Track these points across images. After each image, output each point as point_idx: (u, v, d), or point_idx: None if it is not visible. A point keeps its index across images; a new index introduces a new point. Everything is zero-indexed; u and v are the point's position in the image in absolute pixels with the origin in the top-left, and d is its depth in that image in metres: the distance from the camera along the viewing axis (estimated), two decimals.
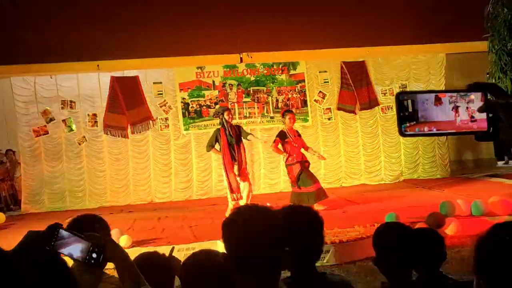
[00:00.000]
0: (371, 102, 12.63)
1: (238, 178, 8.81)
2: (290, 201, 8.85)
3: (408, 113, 1.18)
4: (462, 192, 9.60)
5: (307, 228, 2.05)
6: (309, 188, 8.91)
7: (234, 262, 1.52)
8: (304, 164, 9.07)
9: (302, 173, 8.94)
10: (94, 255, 1.66)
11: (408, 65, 12.91)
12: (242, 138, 9.03)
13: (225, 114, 8.94)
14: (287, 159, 9.05)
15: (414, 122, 1.18)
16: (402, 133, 1.19)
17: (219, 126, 9.02)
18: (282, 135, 9.07)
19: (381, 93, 12.75)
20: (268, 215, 1.56)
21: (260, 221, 1.52)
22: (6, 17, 10.83)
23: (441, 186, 11.05)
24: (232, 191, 8.84)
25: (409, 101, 1.19)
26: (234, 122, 9.61)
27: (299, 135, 9.26)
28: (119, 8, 11.24)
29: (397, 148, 12.79)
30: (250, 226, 1.51)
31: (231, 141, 8.86)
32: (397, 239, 2.20)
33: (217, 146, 9.02)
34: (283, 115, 9.33)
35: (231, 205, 8.76)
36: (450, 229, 6.92)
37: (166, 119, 12.15)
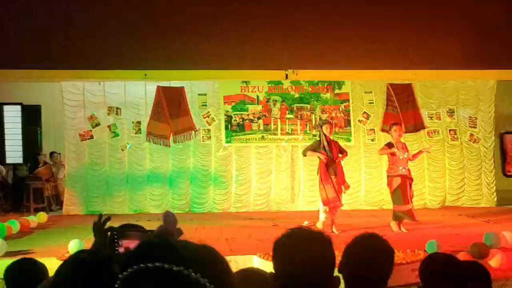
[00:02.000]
0: (416, 125, 12.37)
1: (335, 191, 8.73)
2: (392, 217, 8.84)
3: None
4: (508, 224, 9.24)
5: (373, 259, 2.00)
6: (400, 207, 8.73)
7: (281, 282, 1.53)
8: (405, 179, 8.79)
9: (398, 189, 8.70)
10: None
11: (456, 90, 12.59)
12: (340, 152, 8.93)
13: (324, 127, 8.86)
14: (389, 170, 8.89)
15: None
16: None
17: (319, 138, 8.99)
18: (389, 144, 8.94)
19: (428, 117, 12.48)
20: (320, 240, 1.58)
21: (311, 246, 1.54)
22: (60, 23, 11.20)
23: (486, 215, 10.68)
24: (326, 202, 8.67)
25: None
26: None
27: (407, 149, 8.96)
28: (168, 20, 11.45)
29: (442, 173, 12.45)
30: (301, 250, 1.53)
31: (329, 155, 8.75)
32: (445, 270, 2.12)
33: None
34: (390, 128, 9.20)
35: (323, 217, 8.67)
36: (494, 261, 6.66)
37: (209, 130, 12.23)
